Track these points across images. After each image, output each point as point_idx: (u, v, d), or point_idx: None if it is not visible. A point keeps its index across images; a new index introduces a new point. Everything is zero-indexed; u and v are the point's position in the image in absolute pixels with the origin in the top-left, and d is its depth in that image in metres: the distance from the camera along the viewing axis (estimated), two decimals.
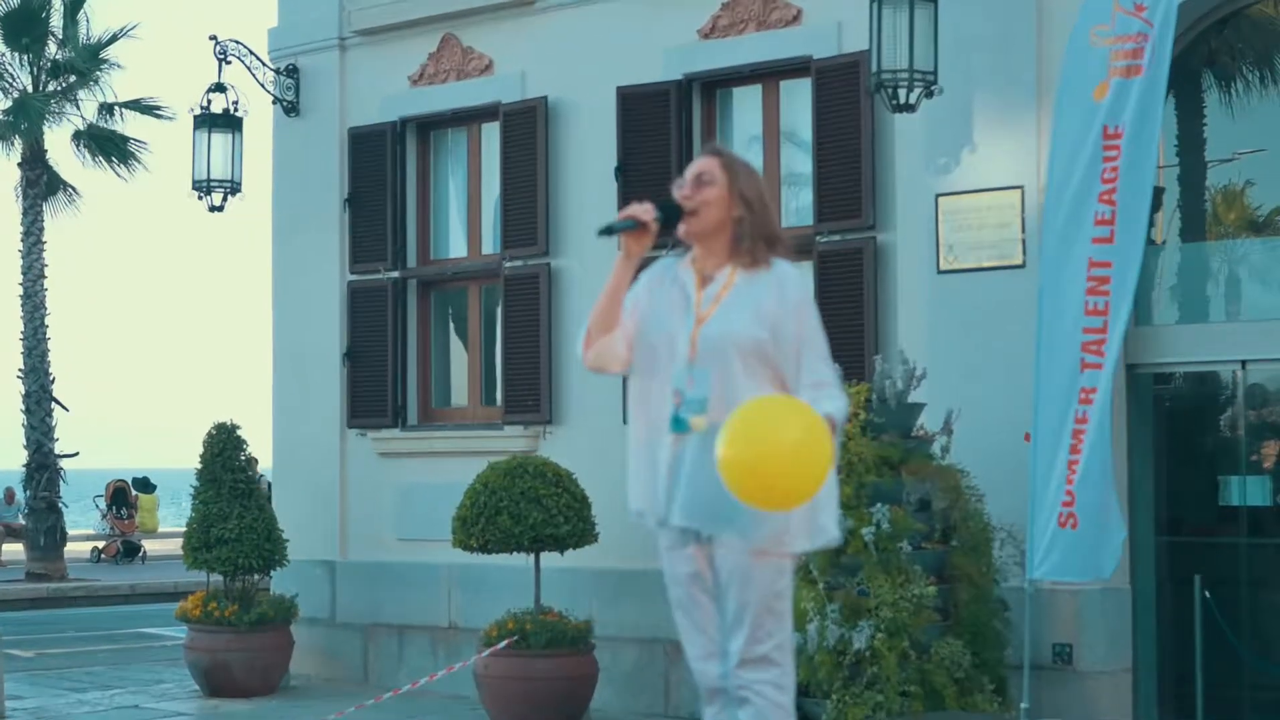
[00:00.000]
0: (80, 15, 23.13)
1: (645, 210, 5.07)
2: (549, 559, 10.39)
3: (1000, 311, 9.10)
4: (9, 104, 22.80)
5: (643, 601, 10.30)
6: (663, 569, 5.17)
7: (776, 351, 5.00)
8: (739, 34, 10.63)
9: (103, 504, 29.47)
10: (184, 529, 12.52)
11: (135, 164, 23.22)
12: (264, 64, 12.72)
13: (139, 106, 22.97)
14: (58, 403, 23.31)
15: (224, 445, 11.95)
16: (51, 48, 23.26)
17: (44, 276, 22.99)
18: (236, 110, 12.47)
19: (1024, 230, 9.07)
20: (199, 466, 12.04)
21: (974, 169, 9.32)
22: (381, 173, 12.29)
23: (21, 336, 23.01)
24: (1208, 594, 8.75)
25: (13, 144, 22.86)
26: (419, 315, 12.33)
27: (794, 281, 5.08)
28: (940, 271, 9.42)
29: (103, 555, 27.92)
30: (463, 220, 12.28)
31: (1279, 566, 9.28)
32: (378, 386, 12.27)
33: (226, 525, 11.68)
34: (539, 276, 11.34)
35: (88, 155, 23.10)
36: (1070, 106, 8.16)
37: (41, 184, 23.08)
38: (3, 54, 23.12)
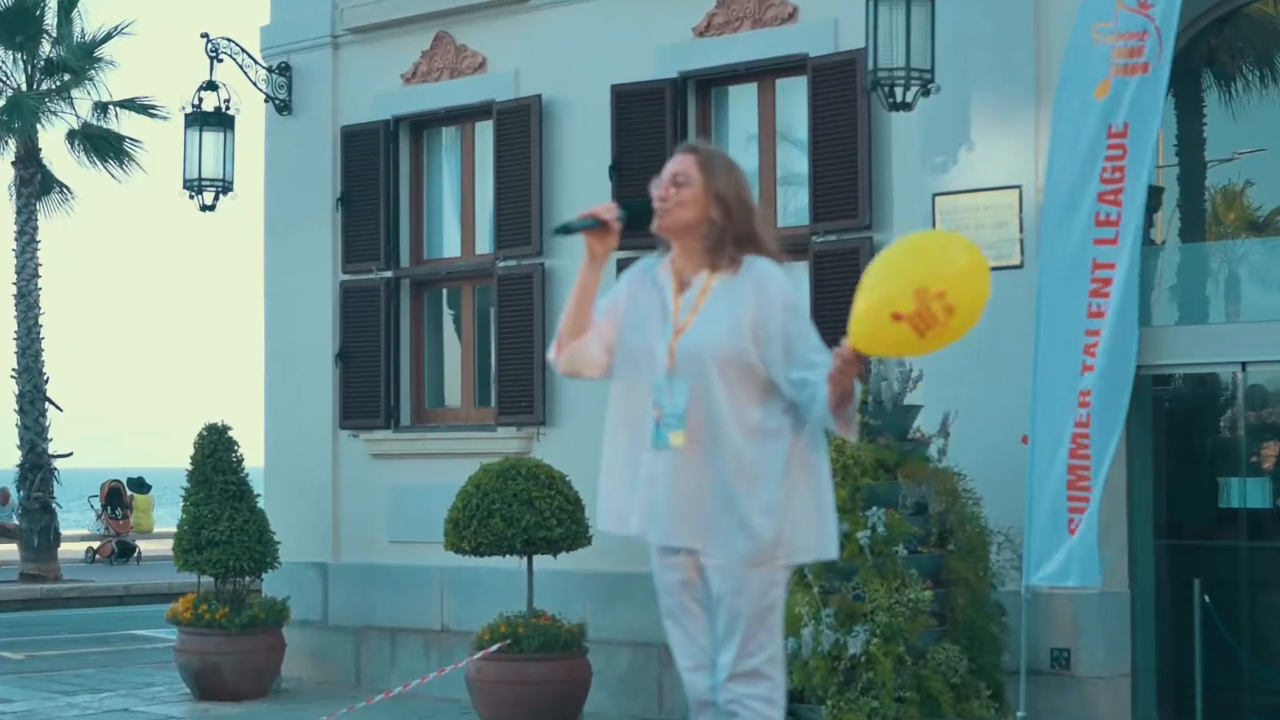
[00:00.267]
0: (74, 13, 23.01)
1: (607, 209, 4.95)
2: (542, 561, 10.30)
3: (998, 312, 8.81)
4: (2, 103, 22.69)
5: (637, 605, 10.20)
6: (654, 576, 5.07)
7: (760, 358, 4.86)
8: (734, 32, 10.54)
9: (97, 504, 29.37)
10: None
11: (130, 163, 23.13)
12: (256, 62, 12.62)
13: (134, 105, 22.87)
14: (51, 403, 23.22)
15: (215, 446, 11.86)
16: (45, 46, 23.16)
17: (38, 276, 22.89)
18: (228, 108, 12.38)
19: (1022, 230, 8.96)
20: (190, 468, 11.96)
21: (971, 168, 9.22)
22: (374, 172, 12.19)
23: (15, 336, 22.90)
24: (1207, 598, 8.67)
25: (6, 143, 22.74)
26: (412, 315, 12.23)
27: (773, 281, 4.91)
28: None
29: (97, 556, 27.82)
30: (456, 220, 12.19)
31: (1278, 569, 9.18)
32: (370, 387, 12.17)
33: (217, 527, 11.59)
34: (533, 277, 11.24)
35: (82, 154, 23.00)
36: (1070, 105, 8.04)
37: (35, 183, 22.96)
38: None
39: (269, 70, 12.68)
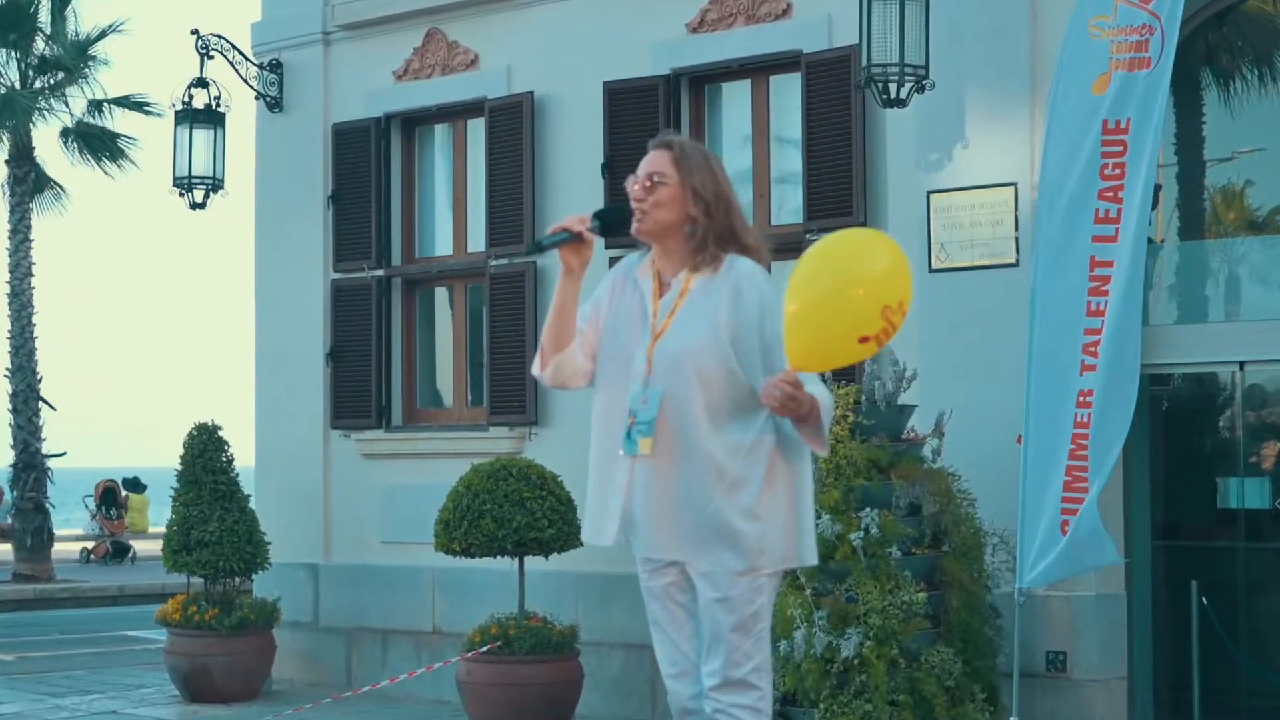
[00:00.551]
0: (68, 11, 22.91)
1: (579, 221, 4.83)
2: (534, 563, 10.21)
3: (993, 311, 8.90)
4: None
5: (629, 606, 10.10)
6: (640, 582, 4.98)
7: (739, 361, 4.76)
8: (727, 28, 10.45)
9: (92, 504, 29.27)
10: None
11: (125, 161, 23.04)
12: (247, 59, 12.53)
13: (128, 103, 22.76)
14: (45, 402, 23.11)
15: (205, 446, 11.77)
16: (39, 44, 23.04)
17: (31, 275, 22.79)
18: (218, 106, 12.28)
19: (1018, 228, 8.86)
20: (179, 468, 11.87)
21: (966, 165, 9.12)
22: (365, 169, 12.10)
23: (9, 335, 22.79)
24: (1204, 599, 8.58)
25: (0, 141, 22.67)
26: (403, 314, 12.14)
27: (751, 284, 4.80)
28: (932, 270, 9.21)
29: (92, 556, 27.73)
30: (448, 218, 12.09)
31: (1277, 571, 9.10)
32: (361, 386, 12.08)
33: (207, 528, 11.50)
34: (525, 275, 11.14)
35: (75, 152, 22.91)
36: (1067, 100, 7.92)
37: (29, 181, 22.86)
38: None
39: (260, 67, 12.58)
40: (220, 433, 11.83)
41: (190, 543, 11.51)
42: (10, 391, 22.89)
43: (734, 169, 10.65)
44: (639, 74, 10.71)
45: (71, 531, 30.31)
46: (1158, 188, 8.96)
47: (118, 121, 23.04)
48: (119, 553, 27.73)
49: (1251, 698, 8.98)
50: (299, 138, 12.48)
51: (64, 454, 24.38)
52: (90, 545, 28.27)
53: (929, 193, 9.21)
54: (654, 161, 4.89)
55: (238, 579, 11.79)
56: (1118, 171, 7.70)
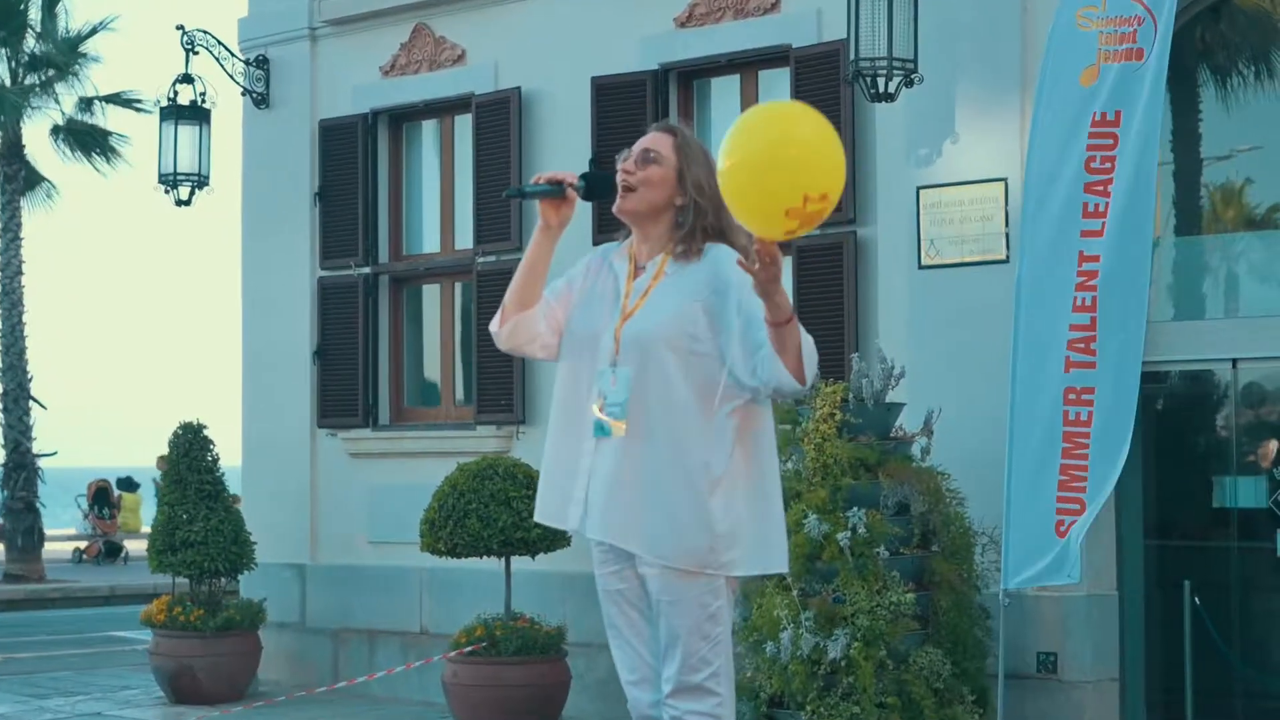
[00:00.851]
0: (59, 8, 22.86)
1: (568, 175, 4.72)
2: (522, 563, 10.11)
3: (983, 308, 8.79)
4: None
5: None
6: (596, 585, 4.86)
7: (714, 342, 4.60)
8: (716, 22, 10.34)
9: (84, 504, 29.16)
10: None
11: (116, 158, 22.97)
12: (233, 55, 12.42)
13: (119, 100, 22.70)
14: (36, 401, 23.04)
15: (190, 445, 11.68)
16: (30, 41, 22.98)
17: (21, 273, 22.71)
18: (204, 102, 12.17)
19: (1008, 224, 8.75)
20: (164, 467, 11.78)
21: (956, 161, 9.02)
22: (352, 166, 12.00)
23: None
24: (1198, 599, 8.48)
25: None
26: (391, 312, 12.04)
27: (729, 262, 4.64)
28: (921, 267, 9.12)
29: (84, 556, 27.62)
30: (435, 215, 11.99)
31: (1271, 570, 8.98)
32: (348, 385, 11.98)
33: (192, 528, 11.40)
34: (512, 273, 10.99)
35: (65, 149, 22.83)
36: (1054, 92, 7.78)
37: (19, 179, 22.77)
38: None
39: (246, 63, 12.48)
40: (205, 432, 11.74)
41: (175, 543, 11.41)
42: (0, 391, 22.78)
43: None
44: (627, 69, 10.61)
45: (64, 531, 30.19)
46: None
47: (109, 119, 23.03)
48: (111, 552, 27.60)
49: (1245, 699, 8.87)
50: (285, 134, 12.38)
51: (55, 453, 24.27)
52: (83, 545, 28.16)
53: (918, 188, 9.10)
54: (653, 140, 4.78)
55: (223, 579, 11.70)
56: (1106, 165, 7.57)
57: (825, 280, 9.68)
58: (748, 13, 10.22)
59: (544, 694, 9.85)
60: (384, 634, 11.75)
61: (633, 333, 4.66)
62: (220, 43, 12.28)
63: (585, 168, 10.61)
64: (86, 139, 22.77)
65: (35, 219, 25.80)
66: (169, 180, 12.10)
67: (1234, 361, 8.83)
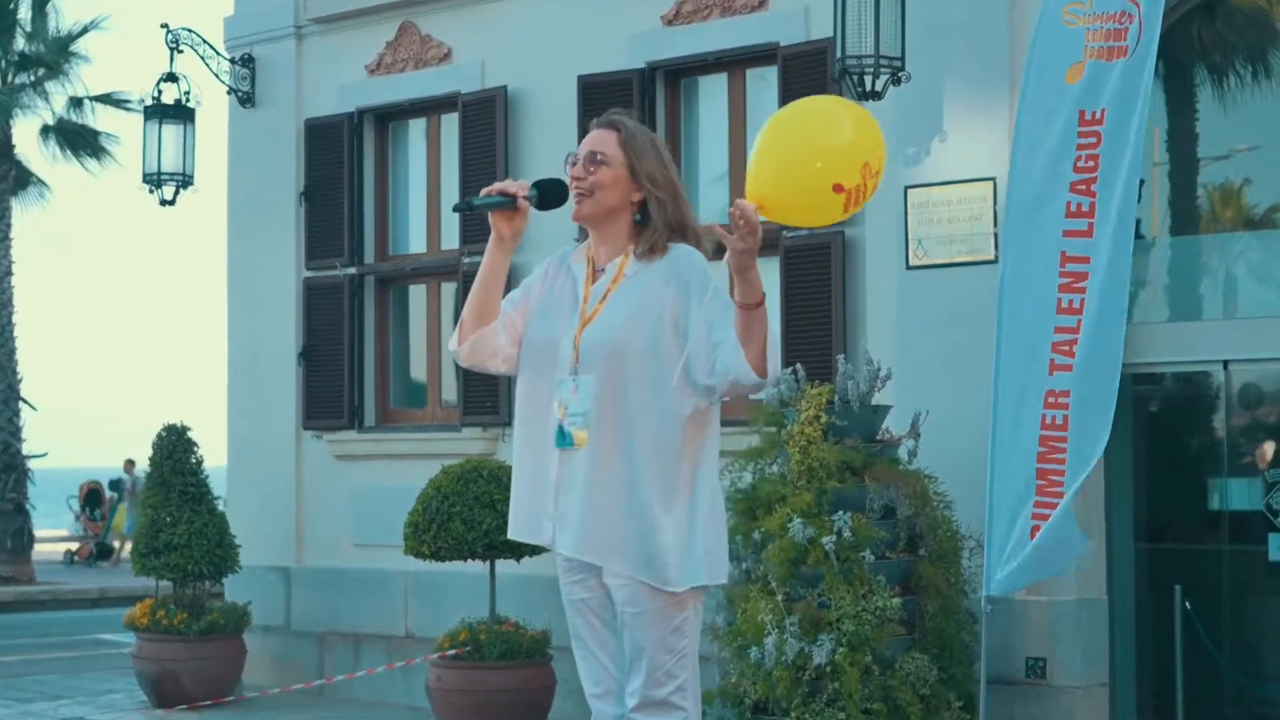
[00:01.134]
0: (49, 8, 22.77)
1: (519, 185, 4.57)
2: (507, 566, 10.00)
3: (972, 309, 8.68)
4: None
5: None
6: (561, 594, 4.75)
7: (676, 346, 4.48)
8: (704, 20, 10.24)
9: (76, 505, 29.07)
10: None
11: (106, 158, 22.88)
12: (218, 54, 12.32)
13: (109, 100, 22.61)
14: (25, 402, 22.93)
15: (174, 447, 11.57)
16: (19, 41, 22.89)
17: (11, 274, 22.60)
18: (188, 101, 12.07)
19: (997, 224, 8.64)
20: (148, 469, 11.68)
21: (944, 160, 8.92)
22: (338, 165, 11.90)
23: None
24: (1188, 604, 8.38)
25: None
26: (377, 313, 11.94)
27: (691, 263, 4.53)
28: (909, 267, 9.02)
29: (76, 558, 27.53)
30: (422, 215, 11.88)
31: (1263, 574, 8.88)
32: (334, 386, 11.88)
33: (176, 530, 11.30)
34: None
35: (55, 149, 22.74)
36: (1039, 90, 7.65)
37: (9, 179, 22.68)
38: None
39: (232, 62, 12.38)
40: (189, 434, 11.64)
41: (159, 545, 11.32)
42: None
43: (710, 164, 10.51)
44: (613, 68, 10.51)
45: (56, 533, 30.09)
46: (1140, 182, 8.74)
47: (99, 118, 22.92)
48: (103, 554, 27.52)
49: (1236, 705, 8.79)
50: (271, 133, 12.28)
51: (45, 455, 24.18)
52: (74, 547, 28.07)
53: (906, 188, 9.00)
54: (597, 141, 4.61)
55: (207, 582, 11.60)
56: (1091, 164, 7.43)
57: (812, 281, 9.58)
58: (735, 11, 10.12)
59: (528, 698, 9.75)
60: (369, 637, 11.65)
61: (592, 340, 4.54)
62: (205, 41, 12.18)
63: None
64: (76, 139, 22.68)
65: (27, 219, 25.68)
66: (153, 180, 12.01)
67: (1225, 363, 8.73)
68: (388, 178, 12.00)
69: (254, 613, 11.63)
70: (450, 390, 11.65)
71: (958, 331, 8.77)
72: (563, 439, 4.53)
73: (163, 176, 11.99)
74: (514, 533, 4.72)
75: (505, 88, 11.03)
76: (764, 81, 10.20)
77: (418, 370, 11.99)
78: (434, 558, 9.87)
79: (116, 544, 27.66)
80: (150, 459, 11.66)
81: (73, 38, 22.72)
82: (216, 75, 12.28)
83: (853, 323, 9.45)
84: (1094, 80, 7.48)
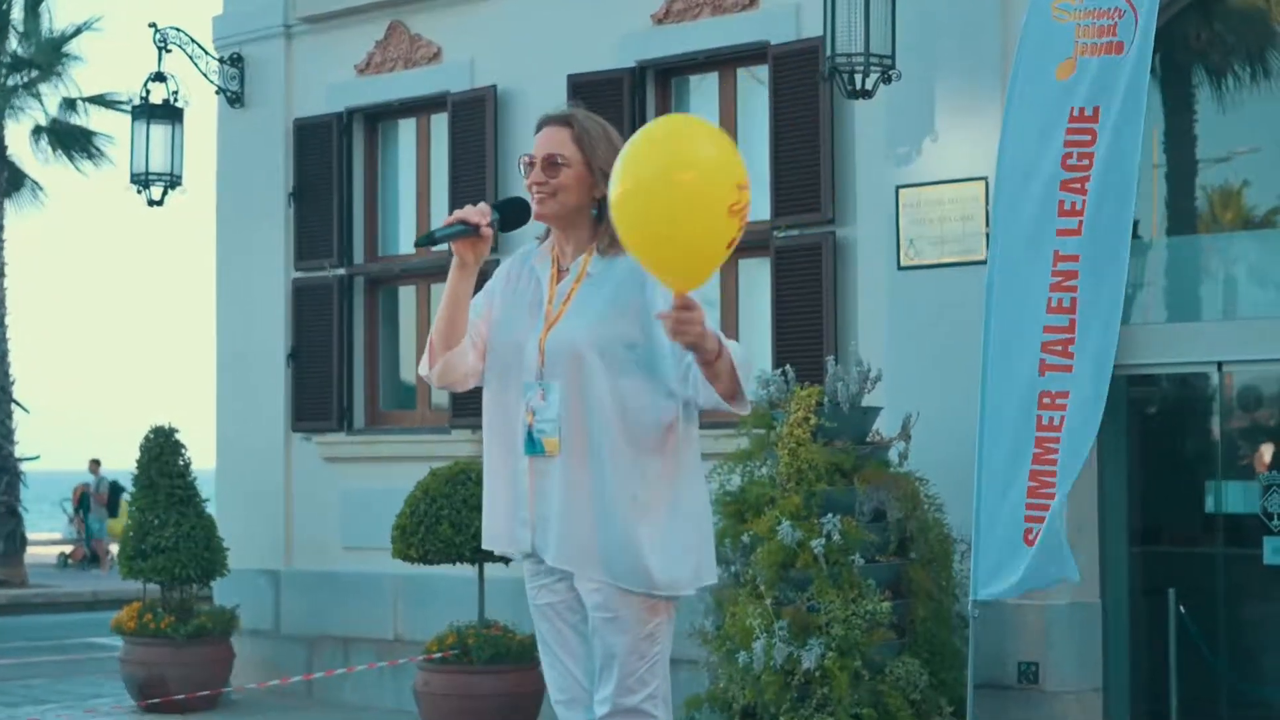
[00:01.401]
0: (41, 9, 22.71)
1: (479, 212, 4.42)
2: (495, 569, 9.91)
3: (963, 310, 8.58)
4: None
5: None
6: (528, 598, 4.66)
7: (646, 343, 4.38)
8: (694, 19, 10.16)
9: (69, 508, 28.99)
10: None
11: (99, 159, 22.80)
12: (207, 53, 12.23)
13: (102, 101, 22.57)
14: (18, 404, 22.85)
15: (161, 449, 11.49)
16: (12, 42, 22.82)
17: (3, 275, 22.56)
18: (176, 100, 11.97)
19: (989, 224, 8.55)
20: (135, 472, 11.60)
21: (936, 159, 8.82)
22: (328, 165, 11.82)
23: None
24: (1183, 608, 8.29)
25: None
26: (366, 314, 11.86)
27: None
28: (901, 268, 8.93)
29: (70, 560, 27.45)
30: (411, 215, 11.79)
31: (1258, 578, 8.79)
32: (323, 388, 11.79)
33: (163, 533, 11.22)
34: (488, 274, 10.82)
35: (48, 150, 22.67)
36: (1028, 87, 7.54)
37: (2, 180, 22.61)
38: None
39: (221, 61, 12.30)
40: (177, 436, 11.56)
41: (146, 549, 11.24)
42: None
43: None
44: (603, 67, 10.43)
45: (50, 536, 30.01)
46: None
47: (92, 119, 22.84)
48: (97, 557, 27.43)
49: (1231, 709, 8.70)
50: (260, 133, 12.20)
51: (37, 457, 24.10)
52: (68, 550, 27.99)
53: (898, 187, 8.91)
54: (552, 140, 4.50)
55: (195, 586, 11.51)
56: (1084, 161, 7.33)
57: (803, 281, 9.50)
58: (725, 9, 10.03)
59: (516, 702, 9.66)
60: (358, 641, 11.56)
61: (558, 342, 4.44)
62: (194, 41, 12.10)
63: None
64: (69, 140, 22.63)
65: (21, 220, 25.62)
66: (141, 180, 11.91)
67: (1219, 364, 8.64)
68: (377, 178, 11.92)
69: (242, 616, 11.55)
70: (440, 393, 11.56)
71: (949, 333, 8.68)
72: (532, 446, 4.44)
73: (150, 177, 11.89)
74: (490, 543, 4.63)
75: (495, 87, 10.95)
76: (755, 80, 10.13)
77: (407, 372, 11.90)
78: (422, 561, 9.78)
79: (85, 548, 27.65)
80: (137, 461, 11.57)
81: (65, 39, 22.68)
82: (205, 75, 12.20)
83: (843, 324, 9.37)
84: (1086, 76, 7.37)
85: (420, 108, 11.58)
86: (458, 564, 9.81)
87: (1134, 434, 8.96)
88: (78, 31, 22.77)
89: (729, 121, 10.23)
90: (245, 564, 11.83)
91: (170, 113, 11.95)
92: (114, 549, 27.63)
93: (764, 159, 9.89)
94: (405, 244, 11.83)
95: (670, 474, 4.41)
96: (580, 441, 4.38)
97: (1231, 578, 8.80)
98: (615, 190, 4.00)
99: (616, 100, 10.30)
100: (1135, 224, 8.46)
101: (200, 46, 12.15)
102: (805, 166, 9.56)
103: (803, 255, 9.51)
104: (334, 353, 11.74)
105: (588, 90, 10.39)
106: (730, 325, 10.13)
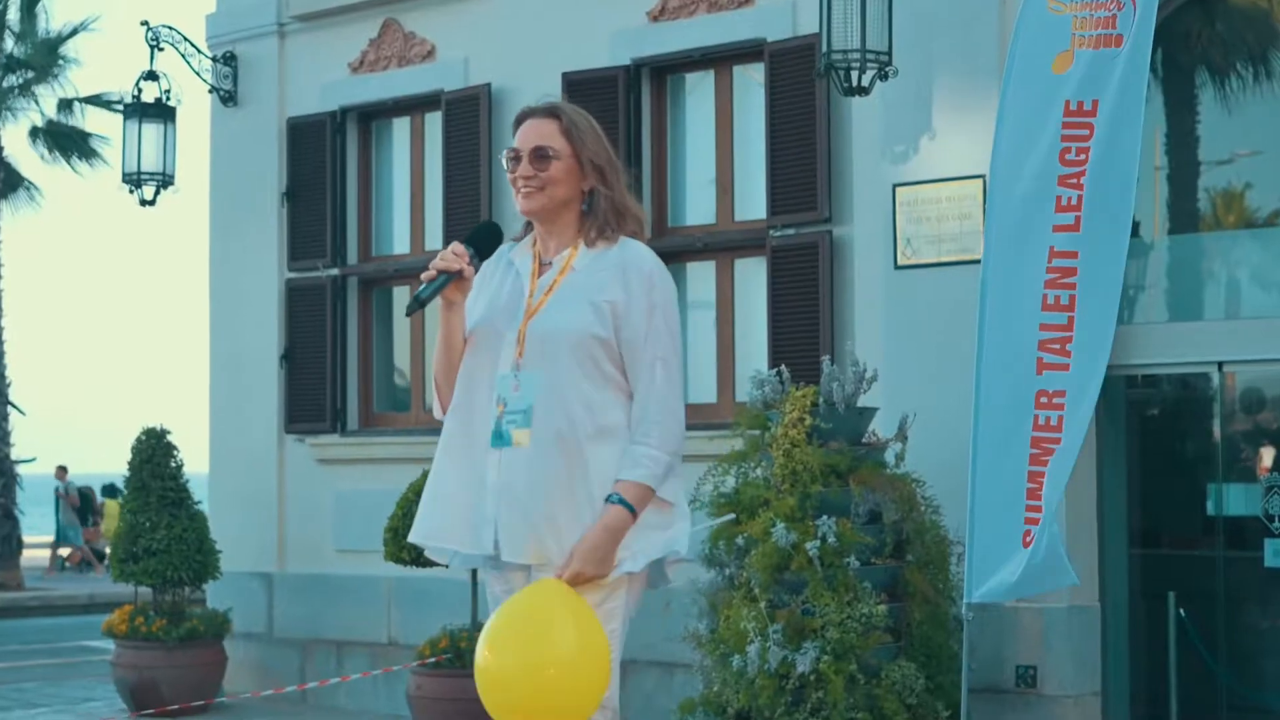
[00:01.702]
0: (38, 9, 22.64)
1: (456, 256, 4.33)
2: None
3: (961, 309, 8.46)
4: None
5: None
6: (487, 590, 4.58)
7: (620, 353, 4.32)
8: (689, 16, 10.07)
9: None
10: None
11: (96, 160, 22.73)
12: (200, 51, 12.14)
13: (98, 101, 22.50)
14: (14, 406, 22.77)
15: (153, 451, 11.41)
16: (9, 43, 22.75)
17: (0, 276, 22.47)
18: (169, 99, 11.88)
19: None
20: (126, 474, 11.52)
21: (933, 157, 8.73)
22: (321, 165, 11.72)
23: None
24: (1183, 611, 8.20)
25: None
26: (359, 314, 11.76)
27: (640, 265, 4.35)
28: (898, 267, 8.83)
29: (67, 563, 27.36)
30: (406, 215, 11.70)
31: (1259, 581, 8.69)
32: (316, 389, 11.69)
33: (155, 536, 11.13)
34: None
35: (45, 151, 22.59)
36: (1023, 80, 7.42)
37: None
38: None
39: (214, 60, 12.20)
40: (169, 437, 11.48)
41: (138, 551, 11.15)
42: None
43: (696, 162, 10.33)
44: (598, 64, 10.34)
45: (46, 539, 29.91)
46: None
47: (88, 120, 22.77)
48: (89, 562, 27.35)
49: (1232, 714, 8.59)
50: (253, 132, 12.10)
51: (34, 460, 24.03)
52: (65, 552, 27.91)
53: (894, 185, 8.82)
54: (540, 133, 4.42)
55: (188, 589, 11.42)
56: (1081, 156, 7.21)
57: (799, 281, 9.41)
58: (721, 6, 9.94)
59: None
60: (352, 644, 11.46)
61: (538, 331, 4.35)
62: (187, 39, 12.01)
63: None
64: (66, 141, 22.56)
65: (18, 222, 25.55)
66: (133, 179, 11.82)
67: (1219, 365, 8.55)
68: (371, 177, 11.83)
69: (235, 619, 11.47)
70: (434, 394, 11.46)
71: (947, 332, 8.58)
72: (499, 438, 4.34)
73: (143, 176, 11.80)
74: (428, 537, 4.53)
75: (489, 85, 10.86)
76: (751, 79, 10.04)
77: (401, 373, 11.81)
78: (414, 564, 9.68)
79: (61, 552, 27.60)
80: (129, 463, 11.49)
81: (62, 39, 22.61)
82: (198, 73, 12.11)
83: (840, 323, 9.27)
84: (1083, 70, 7.25)
85: (414, 106, 11.49)
86: (451, 567, 9.69)
87: (1134, 435, 8.86)
88: (74, 32, 22.71)
89: (725, 120, 10.15)
90: (238, 566, 11.73)
91: (162, 111, 11.86)
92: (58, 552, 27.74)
93: (760, 157, 9.81)
94: (399, 244, 11.74)
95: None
96: (551, 432, 4.29)
97: (1232, 581, 8.70)
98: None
99: (611, 98, 10.21)
100: (1137, 224, 8.40)
101: (193, 45, 12.07)
102: (801, 165, 9.46)
103: (799, 254, 9.42)
104: (327, 354, 11.64)
105: (582, 88, 10.30)
106: (726, 325, 10.04)
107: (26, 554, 23.74)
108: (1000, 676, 8.28)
